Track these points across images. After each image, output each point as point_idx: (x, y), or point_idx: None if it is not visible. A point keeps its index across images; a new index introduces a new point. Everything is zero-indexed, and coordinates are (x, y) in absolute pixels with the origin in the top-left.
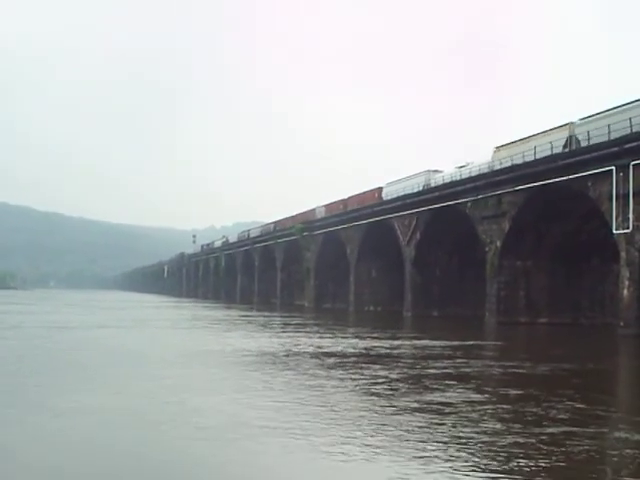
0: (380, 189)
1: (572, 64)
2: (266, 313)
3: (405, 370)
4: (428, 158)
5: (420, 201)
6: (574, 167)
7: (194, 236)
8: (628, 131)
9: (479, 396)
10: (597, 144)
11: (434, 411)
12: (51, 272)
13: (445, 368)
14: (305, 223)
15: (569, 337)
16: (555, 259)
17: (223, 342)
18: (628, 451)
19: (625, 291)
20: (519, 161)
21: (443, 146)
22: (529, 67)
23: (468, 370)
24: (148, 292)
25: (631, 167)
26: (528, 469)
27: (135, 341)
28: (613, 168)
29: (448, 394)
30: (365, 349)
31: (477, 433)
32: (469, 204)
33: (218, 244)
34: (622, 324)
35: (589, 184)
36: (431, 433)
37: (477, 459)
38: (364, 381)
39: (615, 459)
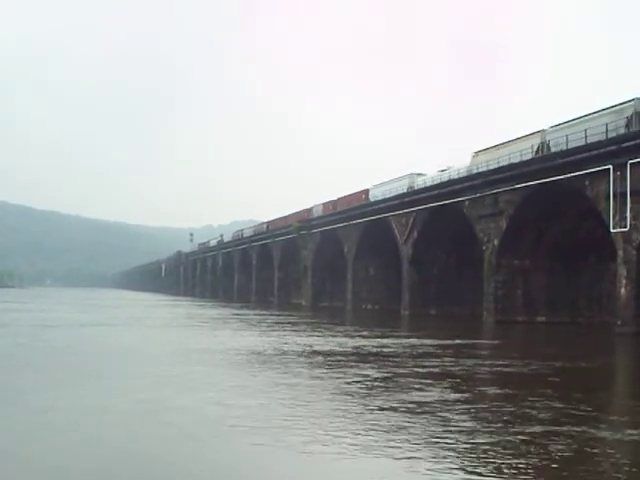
0: (367, 191)
1: (572, 64)
2: (262, 312)
3: (391, 369)
4: (428, 158)
5: (417, 200)
6: (571, 166)
7: (191, 234)
8: (595, 138)
9: (458, 395)
10: (595, 143)
11: (408, 410)
12: (49, 270)
13: (432, 367)
14: (301, 222)
15: (566, 336)
16: (553, 258)
17: (213, 341)
18: (609, 451)
19: (622, 290)
20: (494, 166)
21: (443, 146)
22: (529, 67)
23: (454, 369)
24: (146, 290)
25: (628, 166)
26: (495, 469)
27: (124, 339)
28: (610, 167)
29: (426, 393)
30: (354, 348)
31: (446, 432)
32: (467, 203)
33: (213, 243)
34: (619, 323)
35: (586, 183)
36: (400, 432)
37: (442, 457)
38: (345, 380)
39: (593, 459)
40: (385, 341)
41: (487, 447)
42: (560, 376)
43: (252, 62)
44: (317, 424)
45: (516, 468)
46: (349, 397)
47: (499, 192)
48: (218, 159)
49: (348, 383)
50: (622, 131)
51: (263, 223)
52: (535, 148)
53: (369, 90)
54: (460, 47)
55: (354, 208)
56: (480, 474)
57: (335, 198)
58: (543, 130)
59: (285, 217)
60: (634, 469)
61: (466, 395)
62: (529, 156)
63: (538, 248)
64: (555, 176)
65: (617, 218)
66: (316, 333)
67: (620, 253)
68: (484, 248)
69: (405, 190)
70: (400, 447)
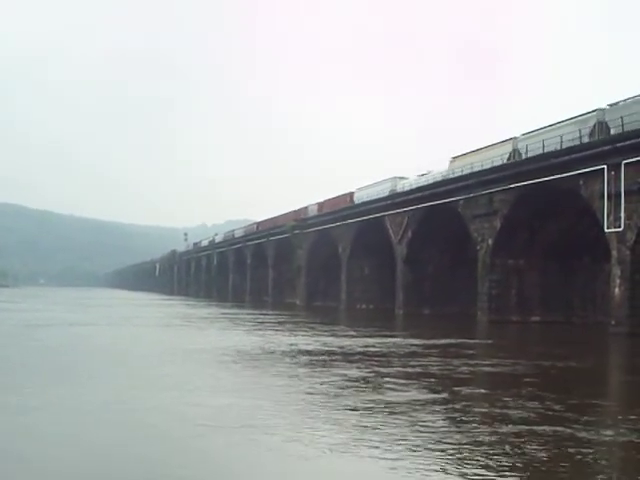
0: (352, 194)
1: (572, 64)
2: (254, 311)
3: (373, 369)
4: (428, 157)
5: (412, 199)
6: (566, 166)
7: (186, 234)
8: (564, 145)
9: (434, 396)
10: (589, 143)
11: (379, 410)
12: (43, 270)
13: (415, 367)
14: (296, 221)
15: (559, 335)
16: (547, 257)
17: (200, 340)
18: (584, 450)
19: (616, 289)
20: (468, 171)
21: (443, 146)
22: (529, 67)
23: (437, 369)
24: (140, 290)
25: (623, 166)
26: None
27: (111, 339)
28: (605, 167)
29: (402, 393)
30: (340, 347)
31: (415, 432)
32: (461, 202)
33: (205, 243)
34: (613, 322)
35: (581, 183)
36: (368, 432)
37: (406, 458)
38: (324, 380)
39: (567, 459)
40: (373, 341)
41: (455, 447)
42: (545, 376)
43: (252, 62)
44: (289, 424)
45: (483, 467)
46: (324, 397)
47: (493, 192)
48: (214, 159)
49: (326, 383)
50: (586, 139)
51: (253, 223)
52: (507, 155)
53: (369, 90)
54: (460, 47)
55: (348, 208)
56: (445, 472)
57: (322, 200)
58: (515, 137)
59: (274, 218)
60: (608, 469)
61: (443, 395)
62: (501, 162)
63: (532, 248)
64: (549, 176)
65: (611, 218)
66: (305, 333)
67: (614, 253)
68: (478, 248)
69: (388, 193)
70: (367, 447)
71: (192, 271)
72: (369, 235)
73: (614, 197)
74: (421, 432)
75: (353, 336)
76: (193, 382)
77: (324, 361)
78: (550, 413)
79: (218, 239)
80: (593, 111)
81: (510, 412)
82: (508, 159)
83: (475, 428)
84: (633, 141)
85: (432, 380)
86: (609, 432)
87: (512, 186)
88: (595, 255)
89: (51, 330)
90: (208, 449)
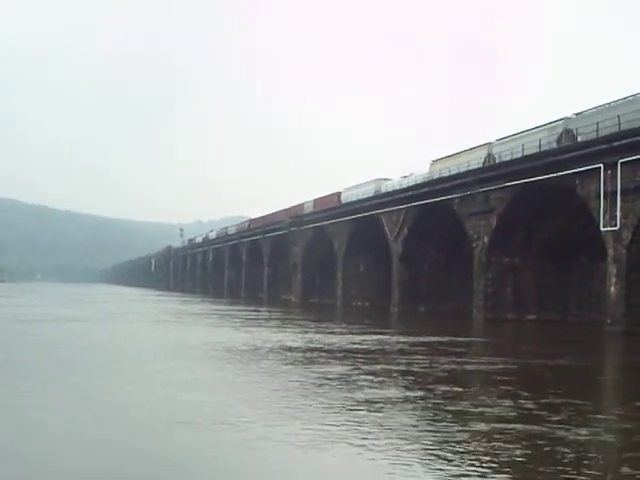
0: (339, 193)
1: (572, 64)
2: (248, 308)
3: (357, 366)
4: (427, 157)
5: (408, 197)
6: (562, 164)
7: (181, 230)
8: (531, 151)
9: (410, 393)
10: (585, 142)
11: (351, 408)
12: (40, 265)
13: (397, 365)
14: (291, 218)
15: (554, 334)
16: (543, 256)
17: (190, 337)
18: (557, 449)
19: (612, 288)
20: (455, 171)
21: (443, 146)
22: (529, 67)
23: (420, 367)
24: (136, 285)
25: (619, 165)
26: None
27: (101, 334)
28: (601, 166)
29: (378, 391)
30: (328, 344)
31: (382, 429)
32: (457, 200)
33: (199, 240)
34: (609, 321)
35: (577, 182)
36: (336, 430)
37: (370, 453)
38: (301, 377)
39: (539, 457)
40: (362, 338)
41: (424, 444)
42: (530, 374)
43: (251, 61)
44: (262, 420)
45: (451, 465)
46: (299, 394)
47: (490, 190)
48: (212, 156)
49: (305, 380)
50: (554, 145)
51: (246, 221)
52: (482, 159)
53: (369, 90)
54: (460, 47)
55: (345, 205)
56: (407, 467)
57: (310, 199)
58: (490, 143)
59: (267, 216)
60: (584, 469)
61: (419, 393)
62: (477, 165)
63: (528, 246)
64: (546, 174)
65: (607, 217)
66: (294, 330)
67: (610, 252)
68: (474, 246)
69: (373, 193)
70: (336, 445)
71: (188, 267)
72: (365, 232)
73: (610, 196)
74: (391, 430)
75: (342, 333)
76: (170, 378)
77: (308, 358)
78: (526, 412)
79: (212, 236)
80: (561, 119)
81: (486, 410)
82: (483, 163)
83: (445, 426)
84: (629, 140)
85: (411, 378)
86: (584, 431)
87: (508, 184)
88: (591, 254)
89: (45, 326)
90: (174, 445)
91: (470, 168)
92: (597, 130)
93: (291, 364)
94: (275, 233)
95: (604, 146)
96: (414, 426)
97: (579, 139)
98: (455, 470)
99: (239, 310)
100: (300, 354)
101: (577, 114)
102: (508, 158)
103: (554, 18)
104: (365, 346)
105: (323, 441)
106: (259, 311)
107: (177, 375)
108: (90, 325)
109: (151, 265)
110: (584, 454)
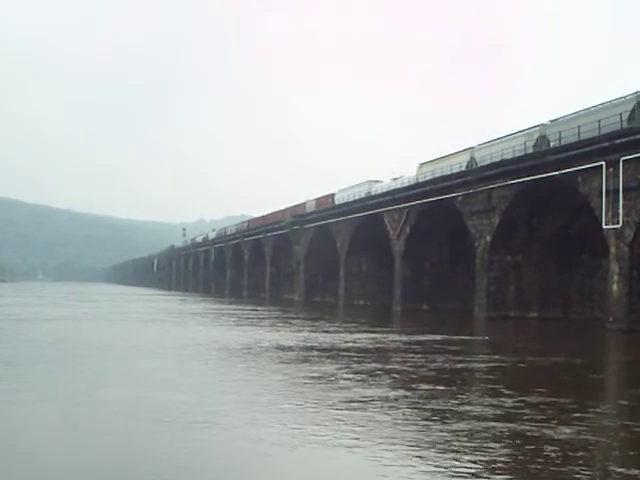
0: (333, 195)
1: (572, 63)
2: (248, 307)
3: (347, 365)
4: (428, 157)
5: (410, 195)
6: (564, 162)
7: (184, 229)
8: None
9: (395, 393)
10: (587, 139)
11: (330, 407)
12: (40, 265)
13: (386, 363)
14: (294, 217)
15: (556, 332)
16: (545, 254)
17: (186, 336)
18: (533, 447)
19: (614, 286)
20: (448, 172)
21: (443, 146)
22: (529, 66)
23: (405, 366)
24: (138, 285)
25: (621, 162)
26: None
27: (98, 335)
28: (603, 163)
29: (361, 390)
30: (320, 343)
31: (363, 430)
32: (459, 199)
33: (199, 240)
34: (611, 319)
35: (579, 179)
36: (315, 429)
37: (346, 452)
38: (287, 376)
39: (517, 457)
40: (357, 337)
41: (398, 444)
42: (521, 372)
43: (254, 61)
44: (241, 419)
45: (427, 463)
46: (282, 393)
47: (492, 188)
48: (213, 155)
49: (290, 379)
50: (530, 150)
51: (244, 222)
52: (465, 163)
53: (369, 90)
54: (460, 47)
55: (347, 204)
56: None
57: (304, 201)
58: (472, 147)
59: (265, 216)
60: (562, 468)
61: (402, 392)
62: (462, 168)
63: (531, 244)
64: (548, 172)
65: (610, 215)
66: (291, 328)
67: (612, 250)
68: (476, 244)
69: (364, 195)
70: (312, 443)
71: (190, 266)
72: (367, 231)
73: (612, 194)
74: (369, 429)
75: (337, 332)
76: (156, 377)
77: (300, 357)
78: (512, 410)
79: (212, 236)
80: (537, 126)
81: (467, 409)
82: (467, 166)
83: (425, 425)
84: (631, 138)
85: (397, 377)
86: (567, 430)
87: (510, 182)
88: (593, 251)
89: (37, 325)
90: (152, 445)
91: (469, 168)
92: (560, 138)
93: (280, 363)
94: (277, 232)
95: (606, 144)
96: (393, 425)
97: (552, 144)
98: (431, 468)
99: (237, 309)
100: (291, 353)
101: (552, 121)
102: (488, 162)
103: (554, 17)
104: (358, 345)
105: (301, 440)
106: (257, 310)
107: (156, 374)
108: (81, 325)
109: (153, 265)
110: (563, 453)
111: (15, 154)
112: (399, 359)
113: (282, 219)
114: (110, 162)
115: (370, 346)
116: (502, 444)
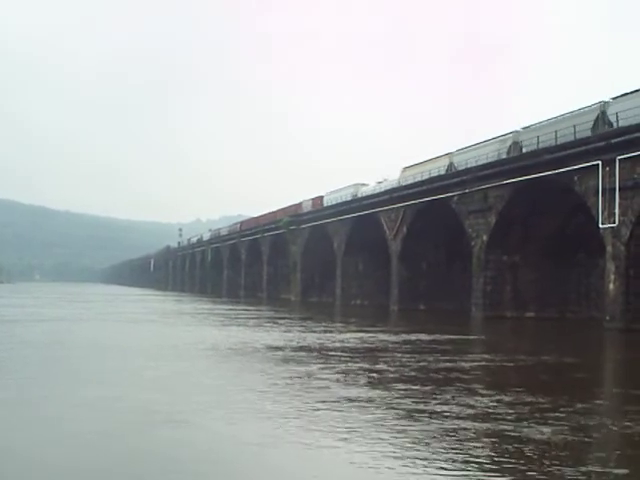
0: (322, 197)
1: (572, 63)
2: (240, 307)
3: (331, 365)
4: (426, 156)
5: (407, 195)
6: (561, 161)
7: (180, 229)
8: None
9: (372, 392)
10: (584, 139)
11: (310, 408)
12: (38, 265)
13: (371, 363)
14: (290, 216)
15: (551, 331)
16: (542, 253)
17: (175, 336)
18: (510, 447)
19: (611, 285)
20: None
21: (442, 146)
22: (529, 66)
23: (387, 366)
24: (135, 285)
25: (617, 162)
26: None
27: (91, 334)
28: (599, 163)
29: (339, 390)
30: (309, 343)
31: (332, 431)
32: (455, 198)
33: (194, 241)
34: (608, 318)
35: (575, 178)
36: (285, 429)
37: (315, 452)
38: (273, 376)
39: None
40: (345, 336)
41: (369, 443)
42: (505, 372)
43: (253, 59)
44: (213, 419)
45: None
46: (259, 392)
47: (488, 188)
48: (211, 155)
49: (270, 379)
50: (504, 156)
51: (236, 223)
52: (445, 167)
53: (369, 90)
54: (460, 47)
55: (343, 203)
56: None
57: (297, 202)
58: (451, 153)
59: (257, 217)
60: (544, 468)
61: (380, 392)
62: (437, 173)
63: (527, 244)
64: (544, 172)
65: (606, 214)
66: (280, 328)
67: (609, 249)
68: (473, 244)
69: (351, 197)
70: (287, 445)
71: (187, 267)
72: (364, 231)
73: (609, 193)
74: (337, 431)
75: (327, 331)
76: (136, 377)
77: (285, 357)
78: (489, 410)
79: (206, 237)
80: (511, 132)
81: (443, 409)
82: (446, 171)
83: (395, 425)
84: (627, 137)
85: (377, 376)
86: (545, 429)
87: (507, 182)
88: (589, 251)
89: (29, 326)
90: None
91: (469, 166)
92: (538, 143)
93: (264, 363)
94: (274, 232)
95: (602, 143)
96: (362, 425)
97: (524, 150)
98: (403, 470)
99: (230, 309)
100: (278, 353)
101: (524, 128)
102: (464, 167)
103: (555, 17)
104: (347, 344)
105: (275, 440)
106: (249, 310)
107: (138, 374)
108: (72, 325)
109: (150, 265)
110: (533, 453)
111: (13, 154)
112: (386, 359)
113: (275, 220)
114: (107, 162)
115: (360, 345)
116: (475, 443)
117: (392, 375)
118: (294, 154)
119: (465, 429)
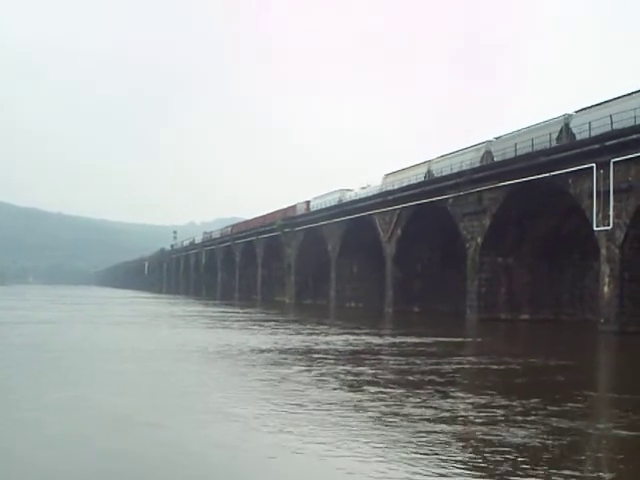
0: (309, 202)
1: (572, 63)
2: (230, 309)
3: (314, 367)
4: (426, 156)
5: (401, 197)
6: (555, 164)
7: (175, 232)
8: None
9: (347, 395)
10: (578, 141)
11: (287, 411)
12: (31, 268)
13: (353, 366)
14: (284, 219)
15: (545, 333)
16: (536, 256)
17: (151, 338)
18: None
19: (605, 288)
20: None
21: (442, 146)
22: (529, 66)
23: (376, 368)
24: (129, 288)
25: (611, 164)
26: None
27: (66, 337)
28: (594, 165)
29: (316, 392)
30: (295, 346)
31: (296, 429)
32: (450, 200)
33: (186, 243)
34: (602, 321)
35: (570, 181)
36: (255, 430)
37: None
38: (251, 378)
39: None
40: (330, 339)
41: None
42: (486, 374)
43: (249, 61)
44: (189, 422)
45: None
46: (246, 394)
47: (483, 190)
48: (205, 157)
49: (250, 381)
50: (477, 164)
51: (228, 226)
52: (423, 174)
53: (369, 90)
54: (460, 47)
55: (337, 206)
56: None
57: (285, 206)
58: (430, 160)
59: (248, 221)
60: (520, 469)
61: (353, 395)
62: (416, 180)
63: (522, 246)
64: (539, 174)
65: (600, 216)
66: (267, 331)
67: (603, 251)
68: (467, 246)
69: (336, 202)
70: (257, 447)
71: (181, 269)
72: (359, 233)
73: (603, 195)
74: (311, 430)
75: (314, 334)
76: (112, 380)
77: (266, 359)
78: (461, 413)
79: (198, 240)
80: (484, 142)
81: (416, 411)
82: (424, 177)
83: (371, 428)
84: (621, 140)
85: (353, 379)
86: (524, 432)
87: (501, 184)
88: (584, 253)
89: (15, 328)
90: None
91: (464, 168)
92: (515, 151)
93: (246, 366)
94: (269, 234)
95: (596, 146)
96: (335, 429)
97: (495, 159)
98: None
99: (222, 312)
100: (262, 355)
101: (496, 138)
102: (441, 174)
103: (555, 17)
104: (331, 347)
105: (243, 441)
106: (238, 312)
107: (114, 377)
108: (55, 328)
109: (145, 267)
110: (505, 455)
111: (5, 156)
112: (367, 361)
113: (266, 223)
114: (101, 164)
115: (346, 348)
116: (446, 447)
117: (371, 378)
118: (292, 156)
119: (437, 432)
